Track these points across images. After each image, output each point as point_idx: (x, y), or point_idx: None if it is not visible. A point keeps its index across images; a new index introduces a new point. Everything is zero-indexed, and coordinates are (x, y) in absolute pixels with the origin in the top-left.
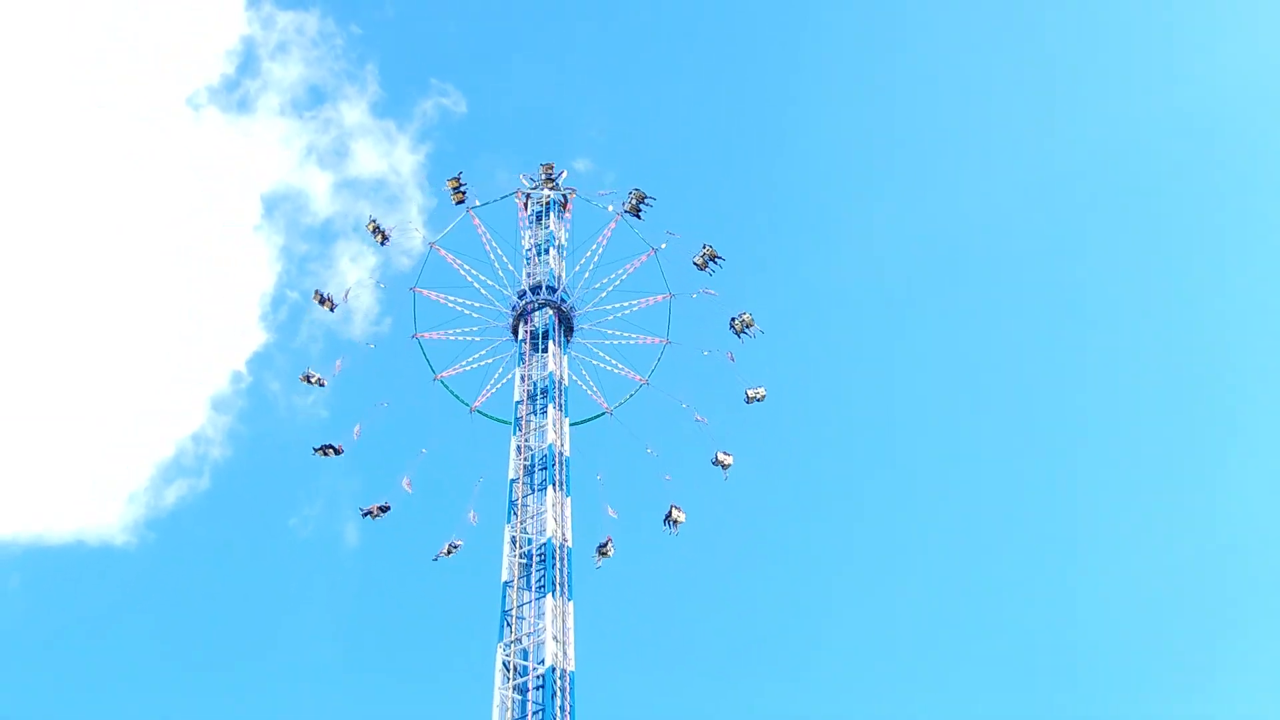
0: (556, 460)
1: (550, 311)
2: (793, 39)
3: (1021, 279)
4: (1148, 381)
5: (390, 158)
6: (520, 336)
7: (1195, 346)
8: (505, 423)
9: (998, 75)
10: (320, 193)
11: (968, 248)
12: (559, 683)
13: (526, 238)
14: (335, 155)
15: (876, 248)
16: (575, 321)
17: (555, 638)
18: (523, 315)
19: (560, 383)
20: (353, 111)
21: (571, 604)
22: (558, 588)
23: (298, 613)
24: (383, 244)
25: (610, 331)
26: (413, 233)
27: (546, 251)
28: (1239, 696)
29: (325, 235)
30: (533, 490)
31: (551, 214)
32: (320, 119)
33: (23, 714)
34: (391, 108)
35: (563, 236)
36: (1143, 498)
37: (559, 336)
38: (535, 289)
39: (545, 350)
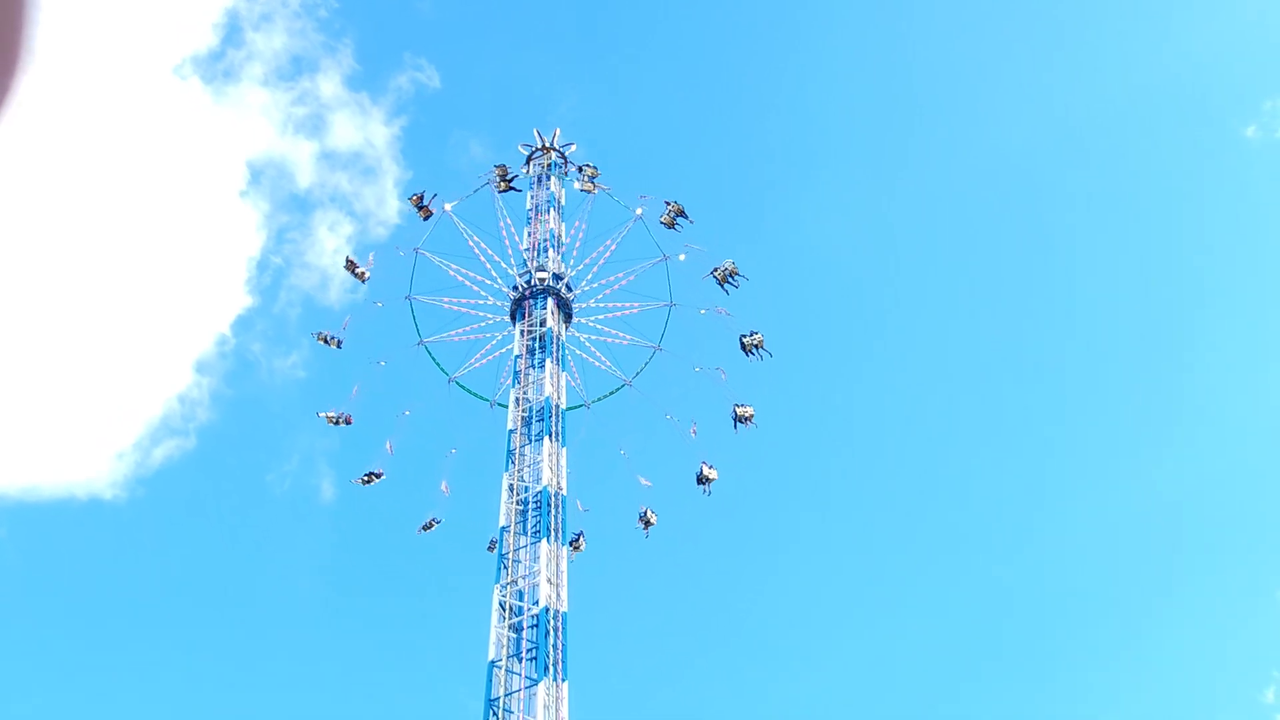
0: (553, 412)
1: (548, 279)
2: (776, 11)
3: (1014, 280)
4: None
5: (366, 131)
6: (521, 292)
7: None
8: (483, 399)
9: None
10: (302, 162)
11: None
12: (552, 623)
13: (529, 198)
14: (314, 127)
15: (867, 232)
16: (573, 310)
17: (549, 580)
18: (525, 290)
19: (558, 339)
20: (329, 84)
21: (565, 549)
22: (552, 533)
23: (279, 564)
24: (364, 281)
25: (605, 329)
26: (397, 253)
27: (549, 209)
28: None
29: (306, 204)
30: (530, 441)
31: (553, 177)
32: (299, 90)
33: (11, 664)
34: (366, 81)
35: (563, 197)
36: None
37: (558, 303)
38: (539, 273)
39: (544, 308)
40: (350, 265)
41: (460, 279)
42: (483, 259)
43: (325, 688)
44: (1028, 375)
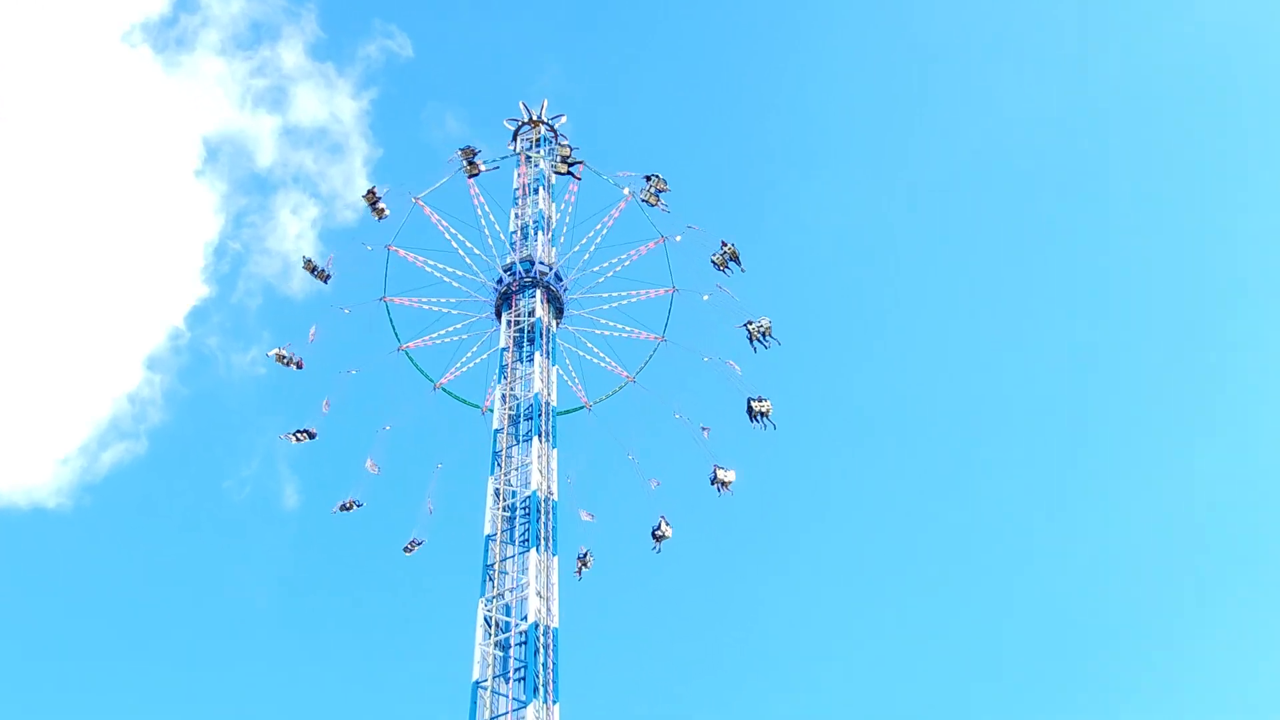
0: (543, 410)
1: (536, 270)
2: None
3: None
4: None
5: (331, 104)
6: (504, 282)
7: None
8: (473, 405)
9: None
10: (263, 139)
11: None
12: (542, 639)
13: (516, 177)
14: (276, 100)
15: (880, 215)
16: (565, 303)
17: (539, 593)
18: (509, 280)
19: (547, 329)
20: (290, 53)
21: (556, 559)
22: (542, 542)
23: (238, 578)
24: (326, 282)
25: (602, 320)
26: (364, 248)
27: (536, 191)
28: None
29: (266, 185)
30: (517, 441)
31: (541, 151)
32: (258, 60)
33: None
34: (332, 50)
35: (553, 176)
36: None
37: (546, 293)
38: (526, 264)
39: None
40: (309, 266)
41: (438, 275)
42: (461, 252)
43: (291, 713)
44: (1053, 373)
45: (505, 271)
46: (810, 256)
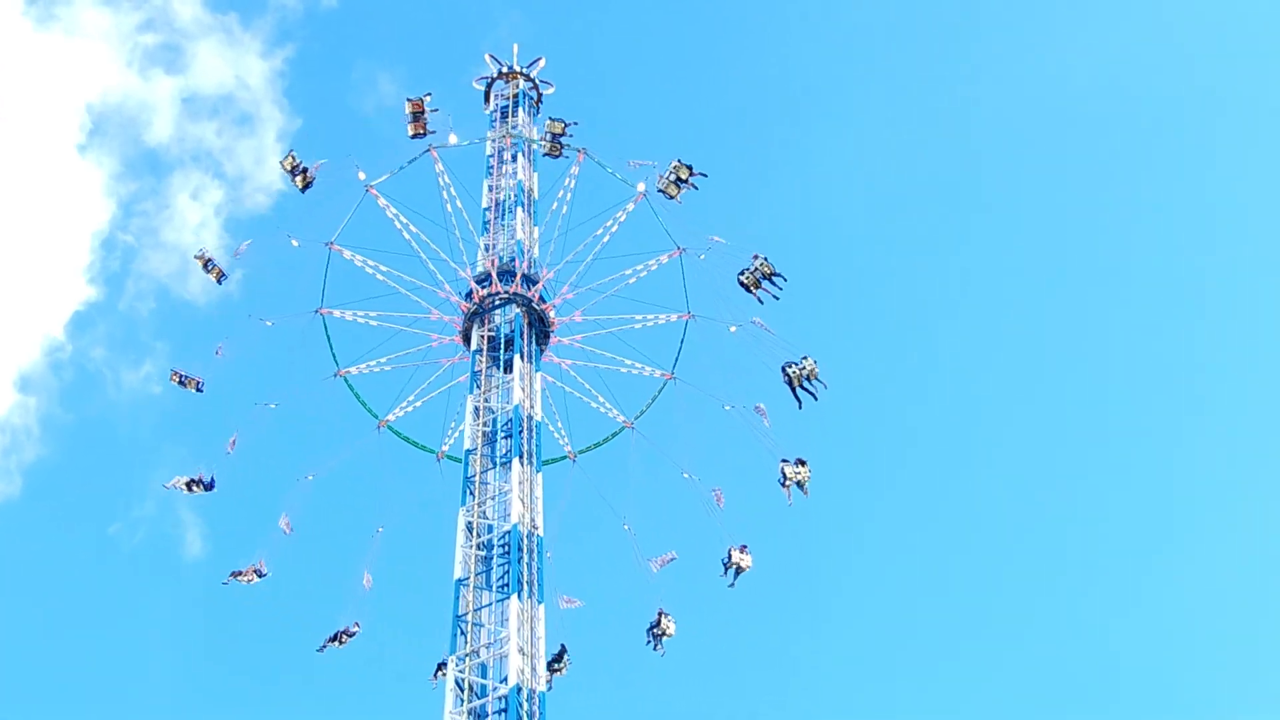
0: (525, 426)
1: (517, 306)
2: None
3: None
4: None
5: (237, 65)
6: (476, 305)
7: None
8: (425, 449)
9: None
10: (157, 107)
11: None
12: (526, 705)
13: (489, 143)
14: (170, 61)
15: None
16: (551, 325)
17: (521, 650)
18: (482, 302)
19: (528, 331)
20: (184, 6)
21: (542, 607)
22: (525, 587)
23: (131, 642)
24: (220, 281)
25: (597, 350)
26: (290, 243)
27: (515, 160)
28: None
29: (160, 164)
30: (494, 465)
31: (522, 110)
32: (146, 11)
33: None
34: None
35: (534, 135)
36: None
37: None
38: (503, 275)
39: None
40: (203, 260)
41: (390, 284)
42: (423, 256)
43: None
44: (1156, 384)
45: (477, 283)
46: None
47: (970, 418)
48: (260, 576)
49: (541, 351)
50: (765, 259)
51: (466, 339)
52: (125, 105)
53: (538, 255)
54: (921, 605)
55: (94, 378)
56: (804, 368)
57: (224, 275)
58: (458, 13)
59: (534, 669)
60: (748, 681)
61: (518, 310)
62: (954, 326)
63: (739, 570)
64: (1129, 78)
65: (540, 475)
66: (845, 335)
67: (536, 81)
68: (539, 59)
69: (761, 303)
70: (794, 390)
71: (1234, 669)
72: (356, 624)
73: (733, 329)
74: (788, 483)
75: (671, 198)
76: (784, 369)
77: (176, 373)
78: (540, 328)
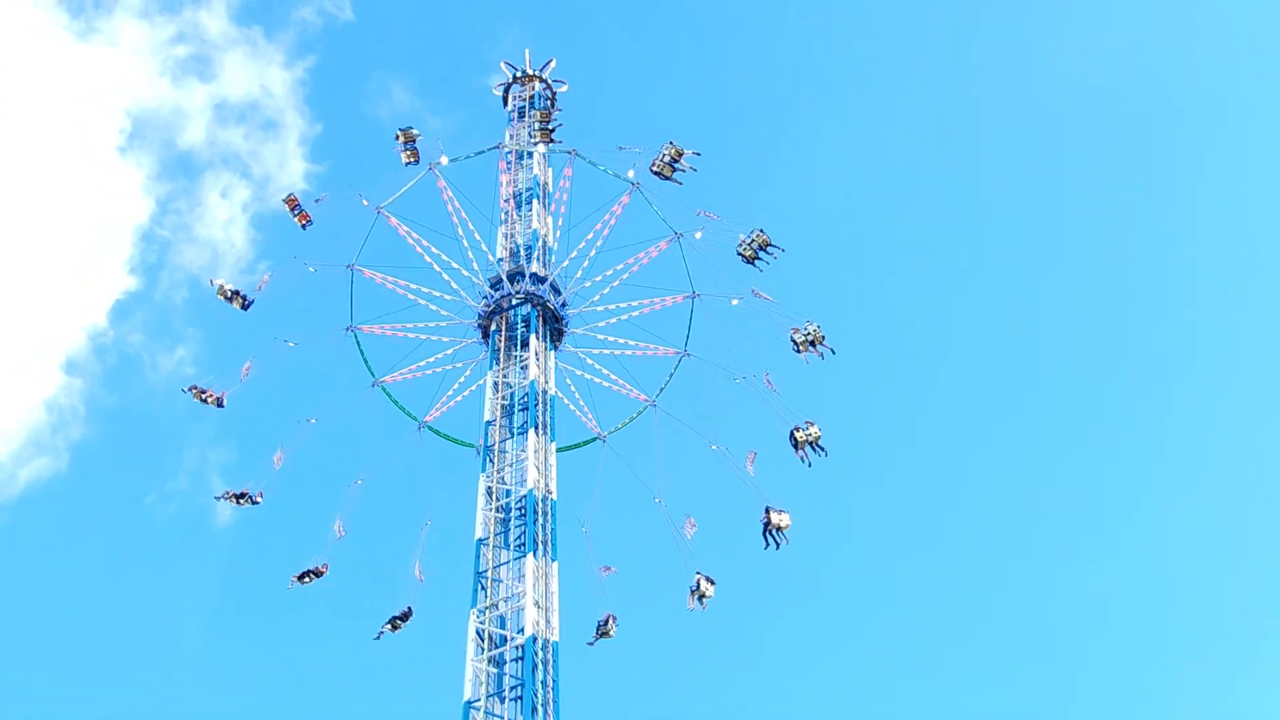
0: (540, 399)
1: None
2: None
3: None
4: None
5: (262, 75)
6: (493, 304)
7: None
8: (467, 445)
9: None
10: (189, 114)
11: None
12: (540, 654)
13: (507, 137)
14: (201, 71)
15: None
16: (566, 322)
17: (537, 603)
18: (499, 302)
19: (540, 325)
20: (213, 18)
21: (556, 565)
22: (540, 546)
23: (166, 605)
24: (245, 309)
25: (611, 338)
26: (307, 269)
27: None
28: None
29: (192, 166)
30: (512, 434)
31: (537, 112)
32: (179, 24)
33: None
34: (260, 12)
35: (542, 147)
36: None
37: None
38: (515, 276)
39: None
40: (225, 293)
41: (412, 298)
42: (436, 267)
43: None
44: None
45: (492, 287)
46: (846, 242)
47: (969, 406)
48: (318, 576)
49: (558, 343)
50: (761, 230)
51: (485, 336)
52: (161, 111)
53: (555, 245)
54: (924, 588)
55: (133, 362)
56: (808, 332)
57: (248, 301)
58: (464, 26)
59: (548, 621)
60: (778, 638)
61: (532, 308)
62: (953, 320)
63: (779, 529)
64: (1130, 69)
65: (554, 445)
66: (842, 317)
67: (549, 82)
68: (550, 60)
69: (761, 272)
70: (800, 352)
71: (1234, 669)
72: (409, 611)
73: (734, 301)
74: (800, 445)
75: (668, 178)
76: (791, 334)
77: (194, 388)
78: (554, 324)
